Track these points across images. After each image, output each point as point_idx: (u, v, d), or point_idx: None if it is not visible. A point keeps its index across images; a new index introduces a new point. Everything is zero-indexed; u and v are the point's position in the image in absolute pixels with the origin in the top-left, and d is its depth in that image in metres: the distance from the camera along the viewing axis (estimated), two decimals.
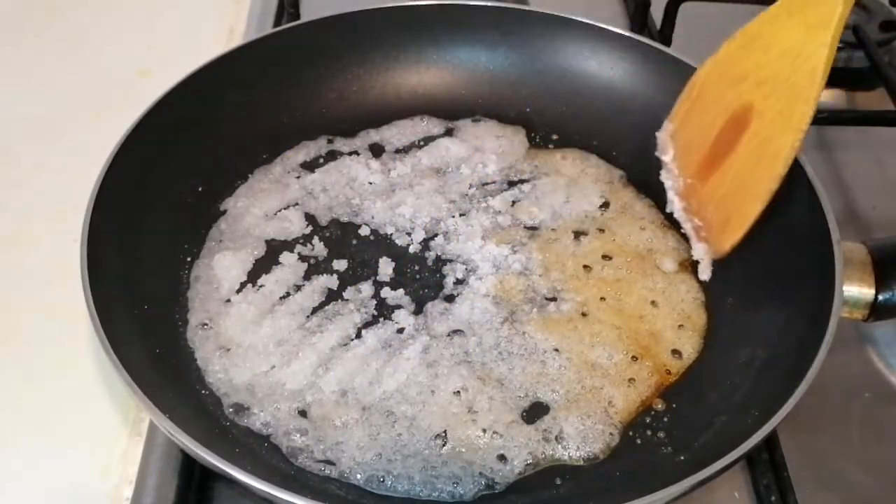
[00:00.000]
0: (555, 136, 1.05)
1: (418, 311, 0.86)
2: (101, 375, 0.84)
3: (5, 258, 0.95)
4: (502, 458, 0.75)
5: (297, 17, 1.23)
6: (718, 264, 0.86)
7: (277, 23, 1.23)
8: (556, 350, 0.83)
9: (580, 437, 0.76)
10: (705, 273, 0.86)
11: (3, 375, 0.85)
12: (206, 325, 0.84)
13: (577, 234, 0.94)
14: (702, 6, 1.21)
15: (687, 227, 0.88)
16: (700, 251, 0.85)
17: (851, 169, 1.06)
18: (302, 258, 0.91)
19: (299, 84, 1.04)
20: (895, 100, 1.06)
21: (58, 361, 0.85)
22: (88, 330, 0.72)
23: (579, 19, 1.04)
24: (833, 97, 1.20)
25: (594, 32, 1.04)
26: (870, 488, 0.79)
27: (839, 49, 1.18)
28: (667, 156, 0.89)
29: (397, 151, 1.03)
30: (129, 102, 0.91)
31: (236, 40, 1.22)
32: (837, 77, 1.20)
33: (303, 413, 0.78)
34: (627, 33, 1.03)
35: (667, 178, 0.90)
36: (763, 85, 0.79)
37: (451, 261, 0.91)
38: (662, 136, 0.90)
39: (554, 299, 0.87)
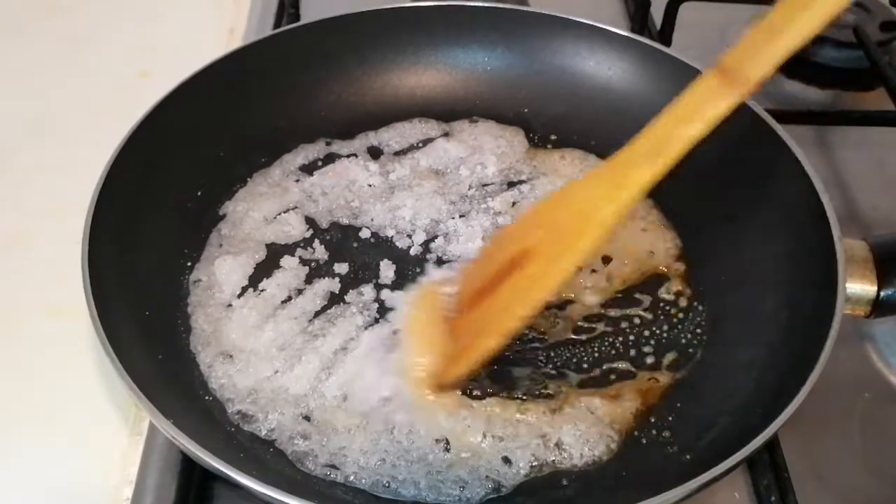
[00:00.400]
0: (553, 137, 1.04)
1: None
2: (101, 375, 0.84)
3: (5, 258, 0.95)
4: (507, 460, 0.74)
5: (298, 17, 1.22)
6: (717, 262, 0.86)
7: (278, 23, 1.23)
8: None
9: (583, 439, 0.76)
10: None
11: (3, 375, 0.85)
12: (208, 330, 0.83)
13: None
14: (702, 6, 1.21)
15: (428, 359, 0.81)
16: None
17: (851, 169, 1.06)
18: (303, 262, 0.90)
19: (298, 86, 1.03)
20: (895, 100, 1.06)
21: (58, 361, 0.85)
22: (88, 330, 0.72)
23: (578, 20, 1.04)
24: (833, 97, 1.20)
25: (593, 33, 1.03)
26: (870, 488, 0.79)
27: (840, 49, 1.19)
28: (448, 288, 0.85)
29: (396, 153, 1.03)
30: (128, 103, 0.91)
31: (236, 41, 1.22)
32: (837, 77, 1.20)
33: (307, 418, 0.77)
34: (626, 33, 1.03)
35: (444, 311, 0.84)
36: (551, 233, 0.77)
37: (452, 262, 0.91)
38: (457, 274, 0.87)
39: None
